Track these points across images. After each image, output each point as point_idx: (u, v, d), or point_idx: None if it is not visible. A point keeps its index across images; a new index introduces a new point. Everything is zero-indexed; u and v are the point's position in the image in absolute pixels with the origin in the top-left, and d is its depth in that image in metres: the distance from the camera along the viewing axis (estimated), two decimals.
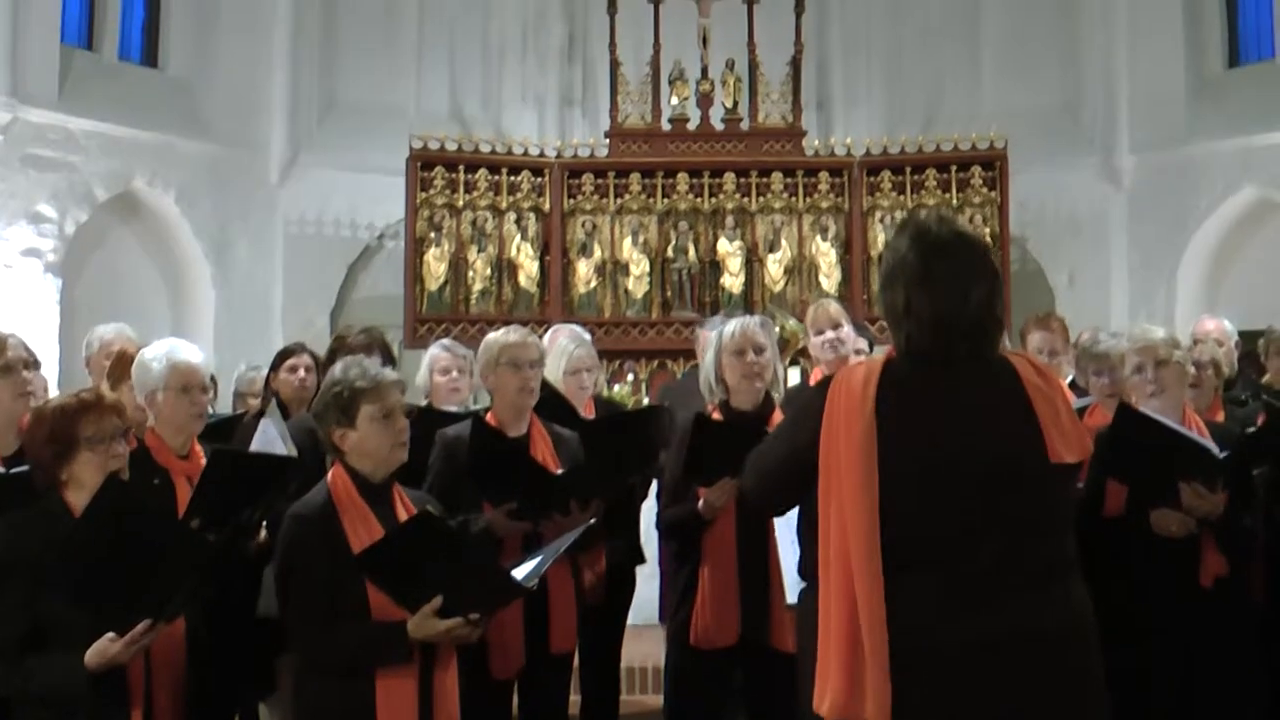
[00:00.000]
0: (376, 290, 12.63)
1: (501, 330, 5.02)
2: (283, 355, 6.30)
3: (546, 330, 6.52)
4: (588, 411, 5.98)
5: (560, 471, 4.60)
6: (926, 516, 2.82)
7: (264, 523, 4.43)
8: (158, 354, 4.64)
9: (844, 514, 2.81)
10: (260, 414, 5.85)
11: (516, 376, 4.79)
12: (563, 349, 6.02)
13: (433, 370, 6.10)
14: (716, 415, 4.56)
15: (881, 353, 3.15)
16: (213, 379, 6.29)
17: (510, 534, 4.55)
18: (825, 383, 3.05)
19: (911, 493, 2.82)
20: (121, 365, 4.98)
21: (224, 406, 7.82)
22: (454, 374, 6.06)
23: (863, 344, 6.44)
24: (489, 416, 4.87)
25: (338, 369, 4.00)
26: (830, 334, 5.94)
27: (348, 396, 3.87)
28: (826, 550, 2.86)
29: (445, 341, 6.32)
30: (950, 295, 2.97)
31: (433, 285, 11.17)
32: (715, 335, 4.84)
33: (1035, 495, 2.85)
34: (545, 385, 5.04)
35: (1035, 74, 13.02)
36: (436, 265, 11.16)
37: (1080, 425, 2.95)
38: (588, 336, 6.34)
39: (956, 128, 11.68)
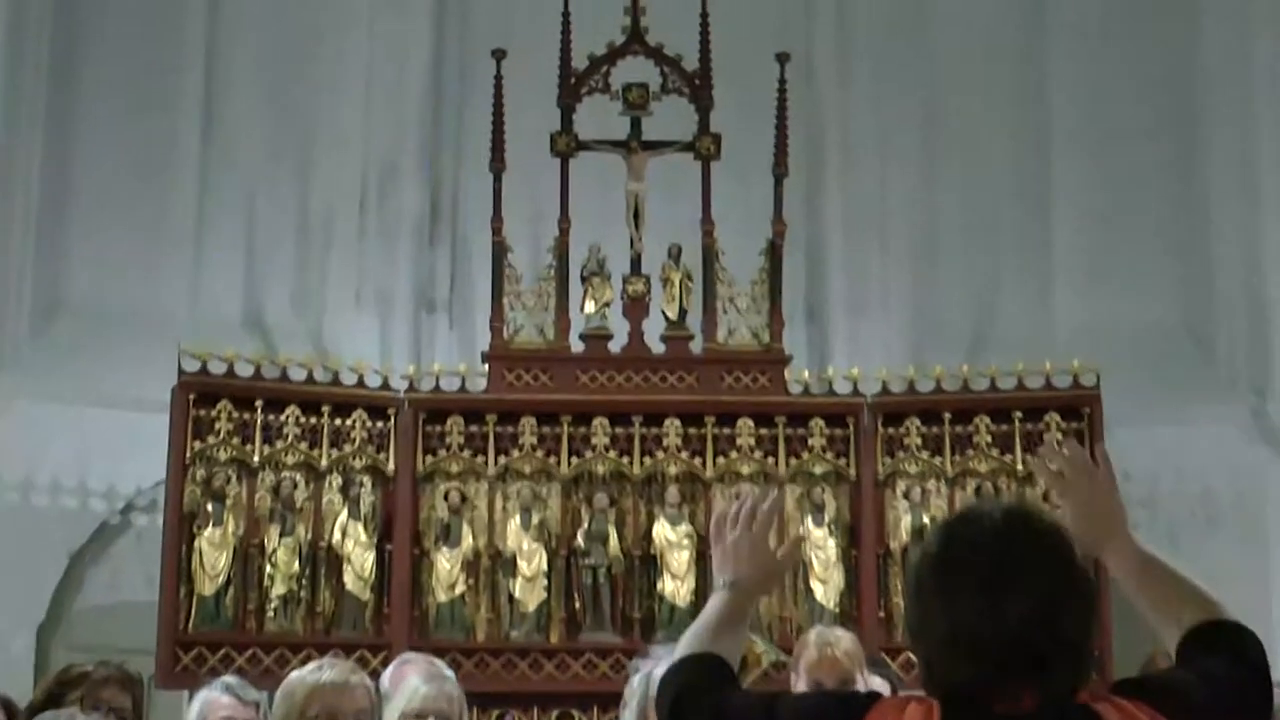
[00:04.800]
0: (116, 594, 12.55)
1: (312, 665, 5.08)
2: None
3: (387, 662, 6.54)
4: None
5: None
6: None
7: None
8: None
9: None
10: None
11: None
12: (411, 691, 6.03)
13: None
14: None
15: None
16: None
17: None
18: (848, 707, 3.29)
19: None
20: None
21: None
22: None
23: (881, 689, 6.55)
24: None
25: None
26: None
27: None
28: None
29: (228, 679, 6.33)
30: (977, 605, 3.20)
31: (207, 588, 11.15)
32: (640, 680, 4.90)
33: None
34: None
35: (1138, 276, 13.65)
36: (214, 556, 11.18)
37: None
38: (450, 673, 6.37)
39: (1020, 353, 12.13)
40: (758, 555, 3.82)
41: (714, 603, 3.79)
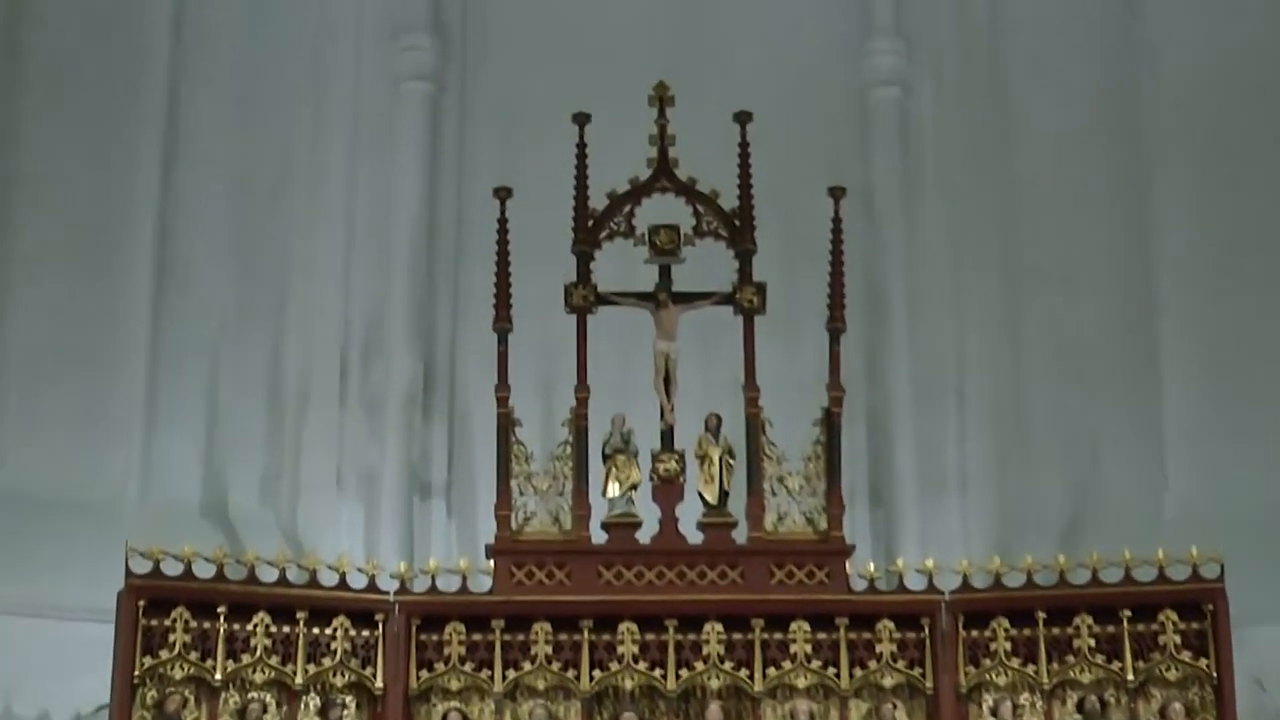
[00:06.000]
0: None
1: None
2: None
3: None
4: None
5: None
6: None
7: None
8: None
9: None
10: None
11: None
12: None
13: None
14: None
15: None
16: None
17: None
18: None
19: None
20: None
21: None
22: None
23: None
24: None
25: None
26: None
27: None
28: None
29: None
30: None
31: None
32: None
33: None
34: None
35: (1265, 444, 13.50)
36: None
37: None
38: None
39: (1126, 539, 11.92)
40: None
41: None
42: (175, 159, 14.10)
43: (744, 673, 11.56)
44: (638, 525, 11.87)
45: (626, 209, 12.27)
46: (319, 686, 11.46)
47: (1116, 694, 11.38)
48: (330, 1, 14.75)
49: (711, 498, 11.93)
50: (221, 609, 11.32)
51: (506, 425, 11.87)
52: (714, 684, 11.56)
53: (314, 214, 14.18)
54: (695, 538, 11.89)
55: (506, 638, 11.55)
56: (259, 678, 11.38)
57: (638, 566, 11.74)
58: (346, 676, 11.49)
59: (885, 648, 11.57)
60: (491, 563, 11.77)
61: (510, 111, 14.25)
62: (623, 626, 11.57)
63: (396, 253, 14.11)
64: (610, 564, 11.74)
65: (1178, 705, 11.28)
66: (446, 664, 11.52)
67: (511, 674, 11.52)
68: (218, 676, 11.27)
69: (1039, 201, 14.20)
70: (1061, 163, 14.19)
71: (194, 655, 11.26)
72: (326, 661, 11.46)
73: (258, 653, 11.36)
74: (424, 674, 11.51)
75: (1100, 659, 11.48)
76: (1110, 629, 11.52)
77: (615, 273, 12.25)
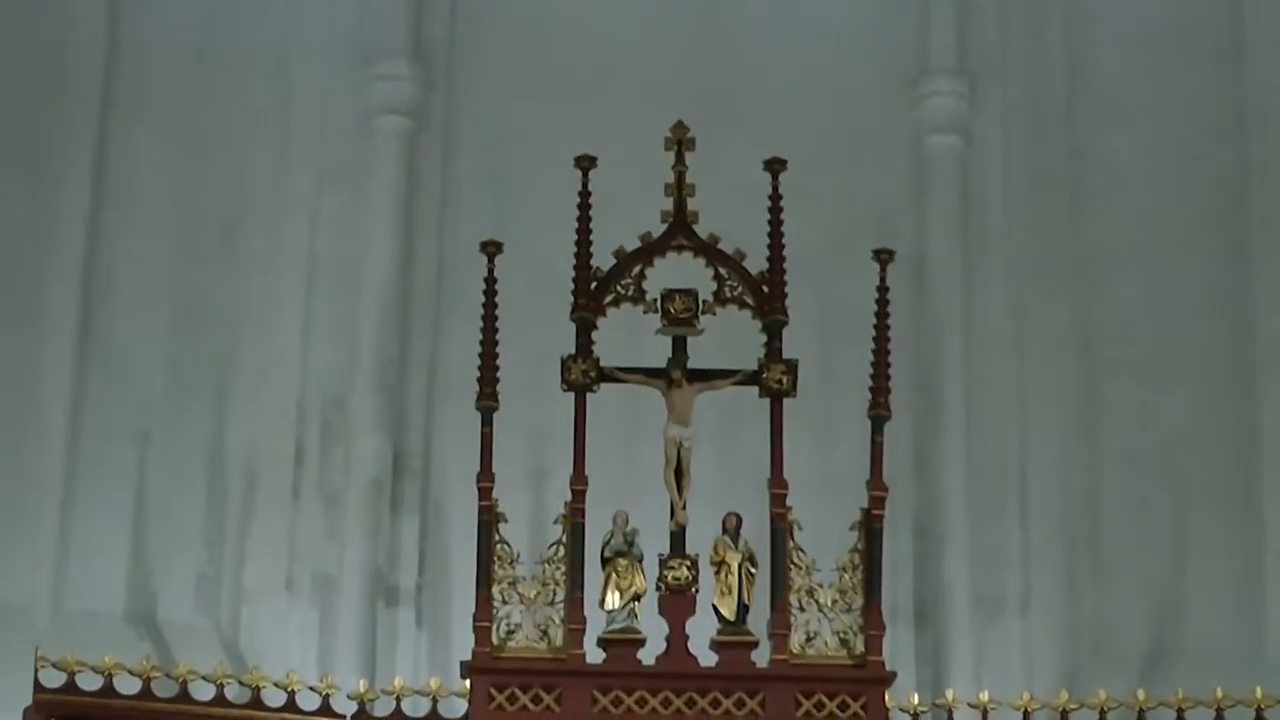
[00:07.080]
0: None
1: None
2: None
3: None
4: None
5: None
6: None
7: None
8: None
9: None
10: None
11: None
12: None
13: None
14: None
15: None
16: None
17: None
18: None
19: None
20: None
21: None
22: None
23: None
24: None
25: None
26: None
27: None
28: None
29: None
30: None
31: None
32: None
33: None
34: None
35: None
36: None
37: None
38: None
39: (1217, 673, 11.90)
40: None
41: None
42: (104, 206, 14.05)
43: None
44: (641, 643, 11.68)
45: (636, 270, 12.06)
46: None
47: None
48: (293, 23, 14.64)
49: (728, 612, 11.76)
50: None
51: (489, 521, 11.66)
52: None
53: (268, 269, 14.09)
54: (708, 659, 11.70)
55: None
56: None
57: (640, 691, 11.56)
58: None
59: None
60: (467, 683, 11.57)
61: (501, 152, 14.16)
62: None
63: (364, 316, 14.02)
64: (607, 688, 11.56)
65: None
66: None
67: None
68: None
69: (1120, 273, 14.13)
70: (1148, 229, 14.12)
71: None
72: None
73: None
74: None
75: None
76: None
77: (621, 344, 12.05)
